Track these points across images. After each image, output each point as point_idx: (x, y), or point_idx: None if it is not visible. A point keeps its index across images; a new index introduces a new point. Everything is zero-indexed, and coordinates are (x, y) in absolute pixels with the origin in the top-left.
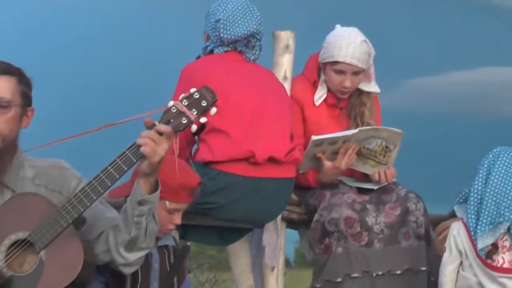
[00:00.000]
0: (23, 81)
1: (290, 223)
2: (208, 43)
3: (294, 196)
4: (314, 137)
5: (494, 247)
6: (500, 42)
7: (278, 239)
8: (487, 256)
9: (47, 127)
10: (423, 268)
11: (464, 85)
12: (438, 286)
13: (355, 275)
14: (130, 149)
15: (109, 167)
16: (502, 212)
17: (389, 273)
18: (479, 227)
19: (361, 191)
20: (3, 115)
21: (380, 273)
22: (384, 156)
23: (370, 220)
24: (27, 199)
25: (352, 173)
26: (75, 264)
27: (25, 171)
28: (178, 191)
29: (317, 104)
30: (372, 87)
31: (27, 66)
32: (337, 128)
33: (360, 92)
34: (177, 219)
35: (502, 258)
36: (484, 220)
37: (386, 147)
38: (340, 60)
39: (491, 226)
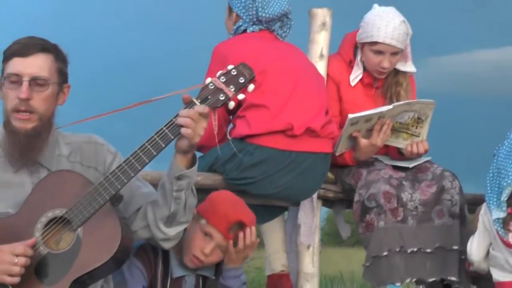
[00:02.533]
0: (60, 57)
1: (325, 202)
2: (240, 23)
3: (330, 174)
4: (350, 115)
5: (509, 215)
6: None
7: (314, 218)
8: (504, 227)
9: (84, 103)
10: (455, 247)
11: (490, 63)
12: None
13: (395, 248)
14: (167, 126)
15: (147, 144)
16: (500, 180)
17: (420, 250)
18: (490, 200)
19: (396, 169)
20: (40, 93)
21: (413, 250)
22: (417, 127)
23: (405, 196)
24: (63, 177)
25: (387, 152)
26: (112, 242)
27: (60, 148)
28: (219, 216)
29: (353, 84)
30: (408, 66)
31: (64, 43)
32: (371, 107)
33: (396, 71)
34: (207, 248)
35: None
36: (494, 193)
37: (419, 118)
38: (380, 40)
39: (498, 198)
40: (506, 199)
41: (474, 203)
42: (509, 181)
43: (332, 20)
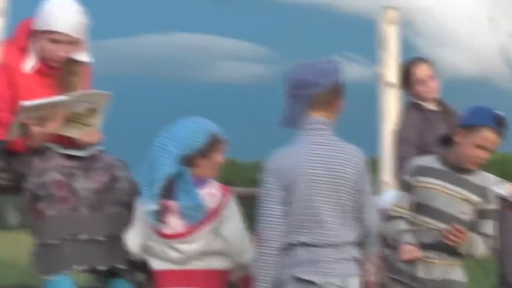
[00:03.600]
0: None
1: None
2: None
3: (0, 163)
4: (24, 104)
5: (165, 210)
6: (191, 9)
7: None
8: (159, 219)
9: None
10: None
11: (157, 48)
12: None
13: (66, 237)
14: None
15: None
16: (154, 175)
17: (93, 238)
18: (144, 191)
19: (69, 158)
20: None
21: (85, 238)
22: (91, 118)
23: (78, 185)
24: None
25: (59, 140)
26: None
27: None
28: None
29: (27, 71)
30: (84, 56)
31: None
32: (47, 96)
33: (72, 61)
34: None
35: (176, 224)
36: (146, 185)
37: (93, 109)
38: (56, 29)
39: (150, 190)
40: (158, 191)
41: None
42: (161, 174)
43: (9, 5)
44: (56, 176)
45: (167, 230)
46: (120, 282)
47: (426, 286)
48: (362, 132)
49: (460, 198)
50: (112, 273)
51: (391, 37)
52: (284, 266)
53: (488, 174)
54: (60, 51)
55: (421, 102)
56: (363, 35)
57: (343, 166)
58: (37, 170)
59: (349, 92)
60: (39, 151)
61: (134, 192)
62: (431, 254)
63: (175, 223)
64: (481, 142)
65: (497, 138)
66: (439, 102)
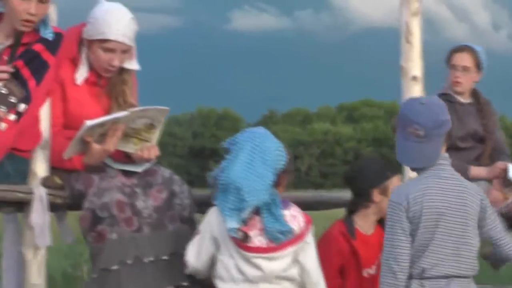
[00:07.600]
0: None
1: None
2: None
3: (57, 180)
4: (88, 123)
5: (249, 228)
6: None
7: (45, 218)
8: (243, 239)
9: None
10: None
11: None
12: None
13: (129, 261)
14: None
15: None
16: (243, 197)
17: (157, 258)
18: (227, 211)
19: (127, 174)
20: None
21: (150, 259)
22: (148, 133)
23: (139, 204)
24: None
25: (116, 156)
26: None
27: None
28: None
29: (78, 82)
30: (133, 64)
31: None
32: (96, 107)
33: (122, 69)
34: None
35: (259, 240)
36: (229, 205)
37: (151, 124)
38: (111, 38)
39: (235, 211)
40: (247, 216)
41: (202, 203)
42: (255, 200)
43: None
44: (118, 196)
45: (250, 245)
46: None
47: None
48: None
49: None
50: None
51: (415, 30)
52: None
53: None
54: (115, 60)
55: (452, 94)
56: None
57: (470, 201)
58: (98, 189)
59: None
60: (99, 169)
61: (192, 207)
62: None
63: (258, 240)
64: None
65: None
66: (474, 94)
